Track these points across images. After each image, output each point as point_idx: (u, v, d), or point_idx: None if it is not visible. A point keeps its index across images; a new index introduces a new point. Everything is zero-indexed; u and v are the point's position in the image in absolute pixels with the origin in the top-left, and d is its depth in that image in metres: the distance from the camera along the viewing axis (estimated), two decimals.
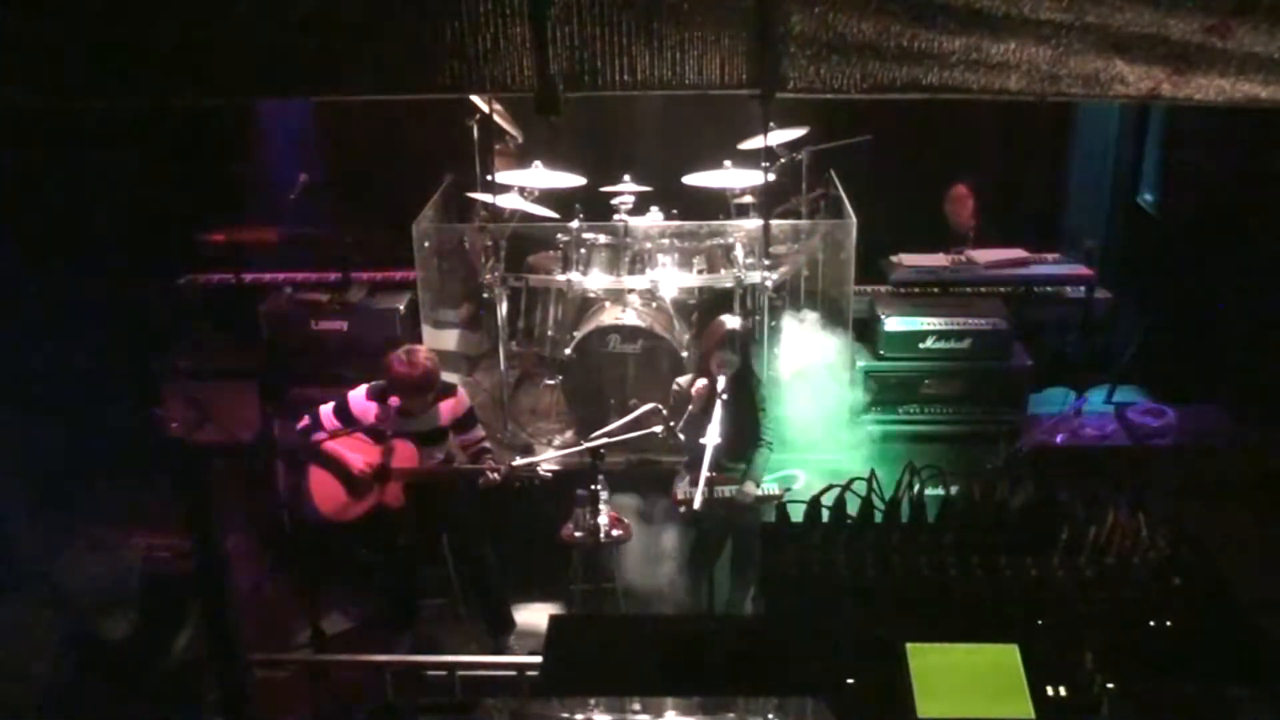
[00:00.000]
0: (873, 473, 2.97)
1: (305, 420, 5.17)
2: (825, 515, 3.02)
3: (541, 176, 6.10)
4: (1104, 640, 2.64)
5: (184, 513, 3.05)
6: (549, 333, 6.23)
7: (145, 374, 6.11)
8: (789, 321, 5.96)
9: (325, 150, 7.52)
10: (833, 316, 6.03)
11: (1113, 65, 2.42)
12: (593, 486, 4.90)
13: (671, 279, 6.07)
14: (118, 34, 2.51)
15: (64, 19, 2.50)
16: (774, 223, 6.23)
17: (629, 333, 5.94)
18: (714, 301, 6.04)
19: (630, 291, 6.10)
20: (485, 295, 6.20)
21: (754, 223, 6.22)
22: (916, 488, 2.96)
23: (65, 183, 6.36)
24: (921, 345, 5.89)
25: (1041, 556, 2.87)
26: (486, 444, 5.28)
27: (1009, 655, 2.62)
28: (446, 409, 5.20)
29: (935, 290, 6.22)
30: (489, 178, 6.10)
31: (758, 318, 5.84)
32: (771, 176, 6.05)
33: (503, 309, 6.07)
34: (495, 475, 5.02)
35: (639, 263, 6.12)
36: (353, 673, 4.65)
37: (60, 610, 3.81)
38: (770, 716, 3.01)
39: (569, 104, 2.51)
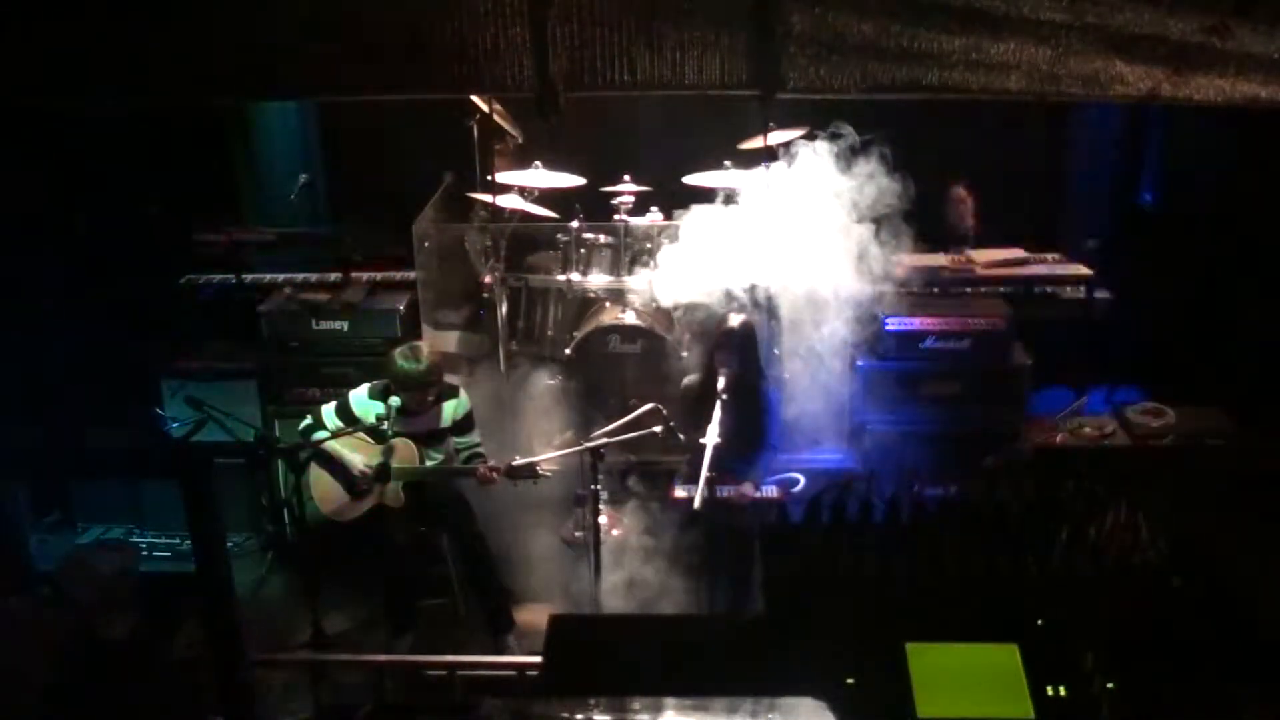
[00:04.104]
0: (873, 472, 2.98)
1: (305, 420, 5.17)
2: (825, 515, 3.02)
3: (541, 176, 6.09)
4: (1104, 640, 2.64)
5: (184, 513, 3.05)
6: (549, 333, 6.23)
7: (145, 374, 6.11)
8: None
9: (325, 150, 7.52)
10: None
11: (1113, 65, 2.42)
12: (593, 486, 4.90)
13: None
14: (118, 34, 2.51)
15: (64, 19, 2.50)
16: None
17: (629, 333, 5.94)
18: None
19: (630, 291, 6.10)
20: (485, 295, 6.20)
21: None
22: (916, 488, 2.97)
23: (65, 182, 6.35)
24: (921, 345, 5.88)
25: (1041, 556, 2.87)
26: (481, 449, 5.28)
27: (1009, 655, 2.62)
28: (449, 410, 5.20)
29: (935, 290, 6.21)
30: (489, 178, 6.09)
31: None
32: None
33: (503, 309, 6.06)
34: (494, 476, 5.03)
35: (639, 263, 6.11)
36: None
37: (60, 610, 3.81)
38: (770, 716, 3.01)
39: (569, 104, 2.51)
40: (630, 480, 5.74)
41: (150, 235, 6.62)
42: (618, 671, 2.78)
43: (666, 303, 5.78)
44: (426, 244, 6.27)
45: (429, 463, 5.16)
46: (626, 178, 6.20)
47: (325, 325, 6.04)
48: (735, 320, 5.11)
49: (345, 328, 6.03)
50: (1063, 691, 2.55)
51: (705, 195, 6.31)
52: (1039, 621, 2.71)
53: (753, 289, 5.59)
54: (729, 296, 5.58)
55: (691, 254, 5.57)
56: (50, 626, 3.77)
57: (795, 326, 5.74)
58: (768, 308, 5.75)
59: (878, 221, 5.36)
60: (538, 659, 3.09)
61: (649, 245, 6.13)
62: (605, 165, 6.40)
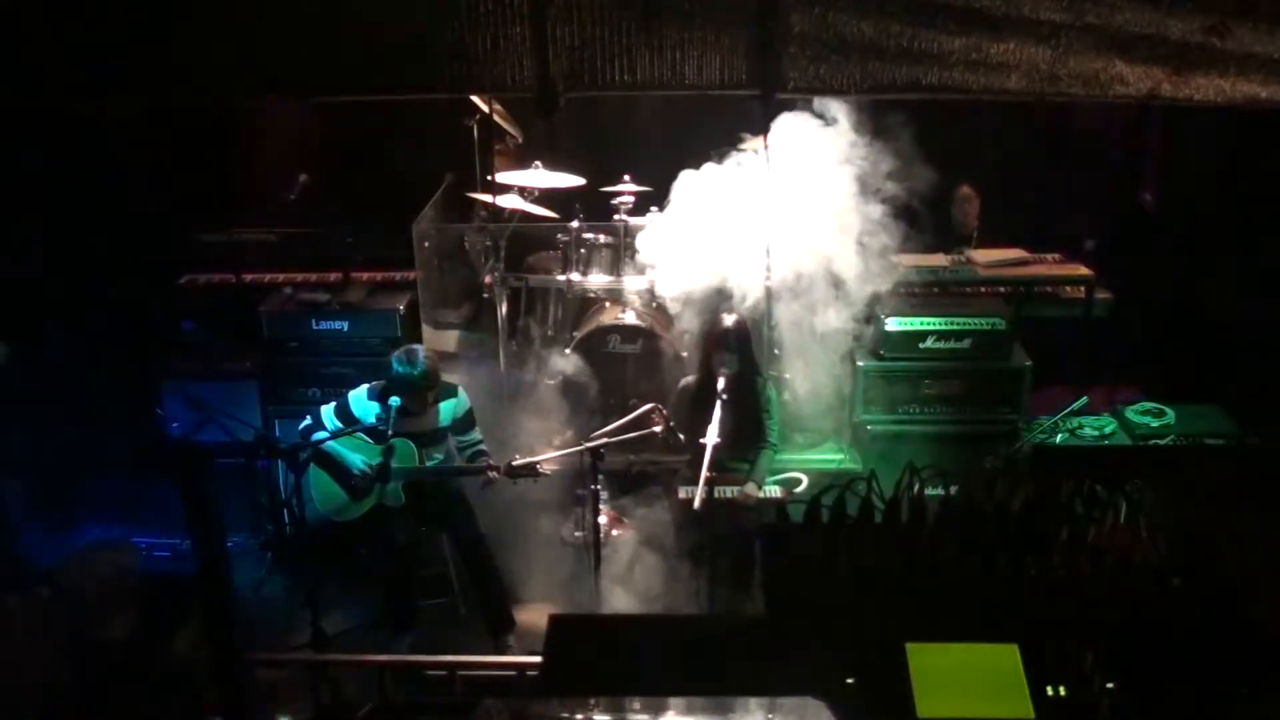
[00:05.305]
0: (873, 473, 2.97)
1: (305, 421, 5.17)
2: (825, 516, 3.01)
3: (541, 176, 6.10)
4: (1104, 640, 2.63)
5: (184, 513, 3.05)
6: (549, 333, 6.24)
7: (145, 374, 6.11)
8: None
9: (325, 150, 7.51)
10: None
11: (1113, 65, 2.42)
12: (593, 486, 4.91)
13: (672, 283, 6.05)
14: (119, 34, 2.51)
15: (65, 20, 2.50)
16: None
17: (629, 333, 5.95)
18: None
19: (630, 291, 6.11)
20: (485, 295, 6.20)
21: None
22: (916, 488, 2.96)
23: (65, 182, 6.35)
24: (921, 345, 5.88)
25: (1041, 556, 2.87)
26: (483, 446, 5.29)
27: (1009, 655, 2.62)
28: (447, 410, 5.21)
29: (935, 290, 6.22)
30: (489, 178, 6.09)
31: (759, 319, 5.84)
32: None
33: (503, 309, 6.07)
34: (494, 476, 5.03)
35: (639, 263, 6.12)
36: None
37: (60, 610, 3.81)
38: (770, 716, 3.01)
39: (569, 104, 2.51)
40: (630, 479, 5.74)
41: (150, 235, 6.62)
42: (618, 671, 2.78)
43: (659, 270, 5.77)
44: (426, 244, 6.27)
45: (429, 463, 5.16)
46: (626, 178, 6.20)
47: (325, 325, 6.04)
48: (729, 320, 5.11)
49: (345, 328, 6.03)
50: (1063, 691, 2.55)
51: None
52: (1039, 621, 2.70)
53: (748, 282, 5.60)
54: (723, 288, 5.59)
55: (682, 223, 5.57)
56: (50, 626, 3.77)
57: (795, 325, 5.75)
58: (767, 306, 5.75)
59: (877, 220, 5.37)
60: (538, 659, 3.08)
61: None
62: (605, 165, 6.40)
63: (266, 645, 5.10)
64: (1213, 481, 3.31)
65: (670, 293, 5.79)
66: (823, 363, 5.88)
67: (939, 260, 6.45)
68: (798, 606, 2.81)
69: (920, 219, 5.59)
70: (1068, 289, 6.47)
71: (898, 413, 5.96)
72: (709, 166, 5.58)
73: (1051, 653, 2.62)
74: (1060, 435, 5.69)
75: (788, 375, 5.96)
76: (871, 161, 5.22)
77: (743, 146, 5.67)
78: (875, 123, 5.22)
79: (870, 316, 5.85)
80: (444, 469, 5.23)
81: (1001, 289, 6.35)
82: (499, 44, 2.45)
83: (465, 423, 5.26)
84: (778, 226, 5.38)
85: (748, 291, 5.56)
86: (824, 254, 5.45)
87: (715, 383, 4.87)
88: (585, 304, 6.27)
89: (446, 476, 5.29)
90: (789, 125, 5.12)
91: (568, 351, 5.97)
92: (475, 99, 5.76)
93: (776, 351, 5.92)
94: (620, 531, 5.63)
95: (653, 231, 5.75)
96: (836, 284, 5.53)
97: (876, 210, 5.35)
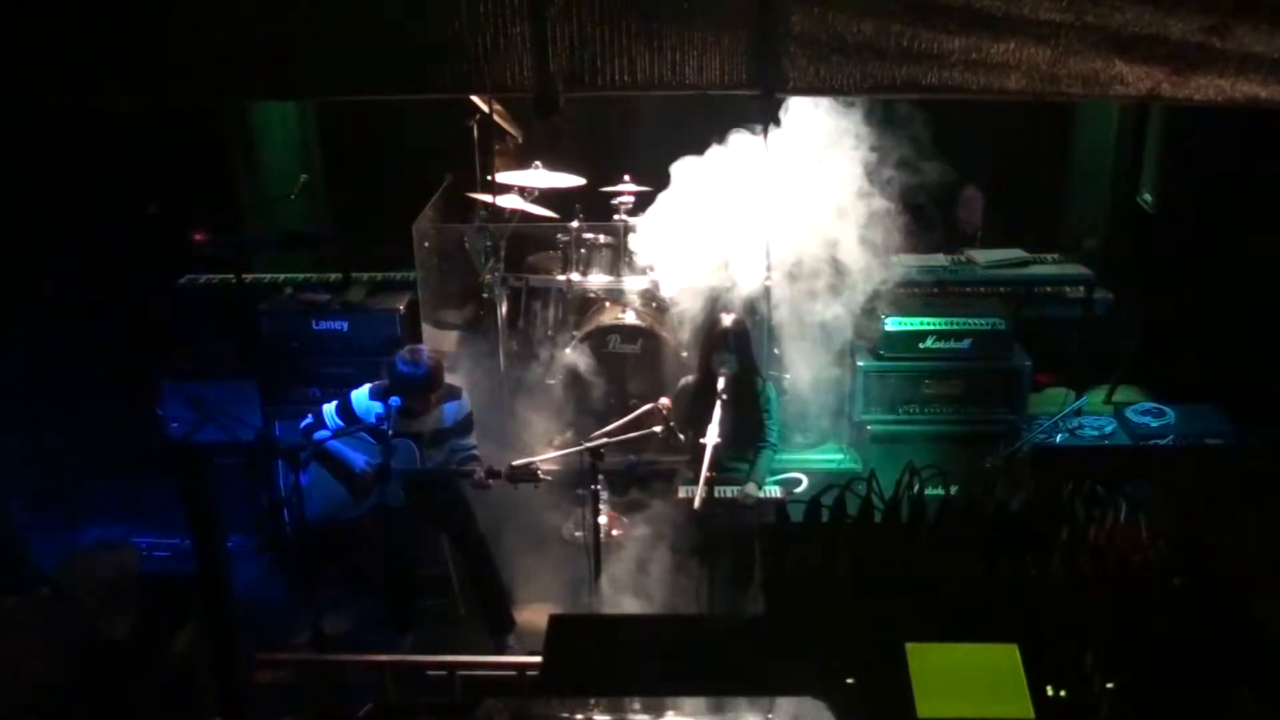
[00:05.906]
0: (873, 473, 2.97)
1: (307, 419, 5.17)
2: (825, 516, 3.01)
3: (541, 176, 6.10)
4: (1104, 640, 2.64)
5: (184, 513, 3.05)
6: (549, 333, 6.24)
7: (145, 374, 6.11)
8: None
9: (325, 150, 7.52)
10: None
11: (1112, 65, 2.42)
12: (593, 486, 4.91)
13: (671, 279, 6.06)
14: (118, 34, 2.51)
15: (64, 18, 2.50)
16: None
17: (629, 333, 5.95)
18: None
19: (630, 291, 6.11)
20: (485, 295, 6.20)
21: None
22: (916, 488, 2.96)
23: (65, 182, 6.35)
24: (921, 345, 5.89)
25: (1041, 556, 2.87)
26: (476, 452, 5.27)
27: (1009, 655, 2.62)
28: (450, 412, 5.20)
29: (935, 290, 6.22)
30: (489, 178, 6.09)
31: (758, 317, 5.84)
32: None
33: (503, 309, 6.07)
34: (488, 482, 5.02)
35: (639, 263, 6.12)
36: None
37: (60, 610, 3.81)
38: (770, 716, 3.01)
39: (569, 104, 2.51)
40: (631, 479, 5.74)
41: (150, 235, 6.62)
42: (618, 671, 2.78)
43: (655, 257, 5.75)
44: (426, 244, 6.27)
45: (429, 464, 5.16)
46: (626, 178, 6.20)
47: (325, 325, 6.04)
48: (728, 320, 5.11)
49: (345, 328, 6.03)
50: (1063, 692, 2.55)
51: None
52: (1039, 621, 2.70)
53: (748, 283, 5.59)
54: (722, 283, 5.58)
55: (680, 210, 5.55)
56: (50, 626, 3.77)
57: (795, 324, 5.75)
58: (767, 305, 5.75)
59: (878, 217, 5.36)
60: (538, 659, 3.09)
61: None
62: (605, 165, 6.40)
63: (266, 645, 5.10)
64: (1212, 481, 3.31)
65: (669, 286, 5.78)
66: (822, 362, 5.88)
67: (939, 260, 6.45)
68: (798, 606, 2.81)
69: (924, 218, 5.58)
70: (1067, 289, 6.47)
71: (898, 413, 5.97)
72: (712, 150, 5.56)
73: (1051, 653, 2.62)
74: (1060, 435, 5.69)
75: (787, 375, 5.96)
76: (876, 159, 5.21)
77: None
78: (879, 121, 5.22)
79: (870, 316, 5.84)
80: (444, 470, 5.23)
81: (1001, 289, 6.36)
82: (499, 44, 2.45)
83: (465, 426, 5.26)
84: (778, 223, 5.38)
85: (746, 286, 5.55)
86: (824, 252, 5.44)
87: (715, 383, 4.87)
88: (585, 304, 6.27)
89: (447, 477, 5.29)
90: (792, 118, 5.12)
91: (568, 352, 5.98)
92: (475, 99, 5.76)
93: (776, 351, 5.92)
94: (620, 531, 5.63)
95: (651, 220, 5.72)
96: (837, 283, 5.53)
97: (878, 208, 5.35)
